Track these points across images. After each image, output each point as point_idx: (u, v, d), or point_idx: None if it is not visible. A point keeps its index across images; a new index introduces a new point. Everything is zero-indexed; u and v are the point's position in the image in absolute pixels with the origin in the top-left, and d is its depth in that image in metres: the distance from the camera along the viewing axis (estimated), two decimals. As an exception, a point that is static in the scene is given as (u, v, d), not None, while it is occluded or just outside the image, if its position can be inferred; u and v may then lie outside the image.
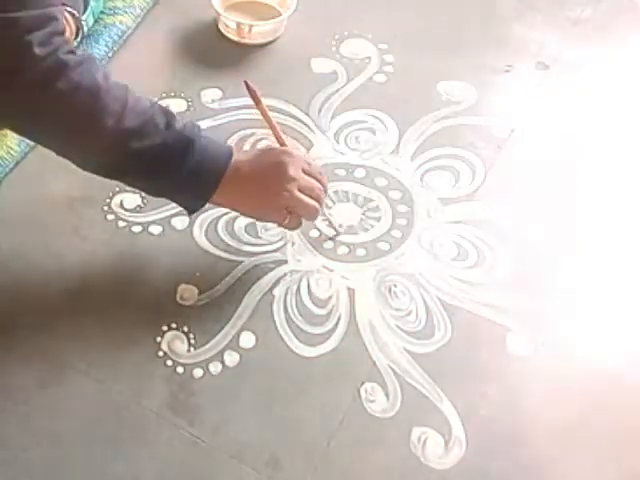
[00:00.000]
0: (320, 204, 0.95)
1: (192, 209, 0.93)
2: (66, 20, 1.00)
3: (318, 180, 0.95)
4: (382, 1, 1.40)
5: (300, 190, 0.92)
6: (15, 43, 0.75)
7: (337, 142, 1.17)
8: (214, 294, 0.99)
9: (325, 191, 0.97)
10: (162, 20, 1.32)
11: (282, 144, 1.00)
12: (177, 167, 0.85)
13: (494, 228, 1.08)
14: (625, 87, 1.28)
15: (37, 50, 0.75)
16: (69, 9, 1.05)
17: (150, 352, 0.93)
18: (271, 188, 0.91)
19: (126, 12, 1.27)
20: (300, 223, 0.97)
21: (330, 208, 1.07)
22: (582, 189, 1.14)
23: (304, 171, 0.93)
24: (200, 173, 0.87)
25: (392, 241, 1.06)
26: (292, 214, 0.94)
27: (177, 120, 0.86)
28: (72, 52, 0.80)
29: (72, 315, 0.96)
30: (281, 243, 1.04)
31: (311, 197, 0.94)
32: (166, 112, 0.86)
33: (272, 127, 1.00)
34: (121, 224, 1.05)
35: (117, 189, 1.08)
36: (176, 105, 1.19)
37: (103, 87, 0.80)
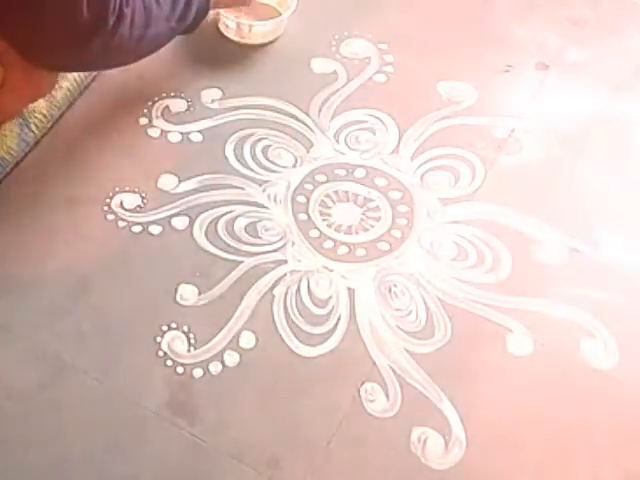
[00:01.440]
0: None
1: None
2: None
3: None
4: (382, 1, 1.40)
5: None
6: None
7: (337, 142, 1.17)
8: (214, 294, 0.99)
9: None
10: (162, 20, 1.32)
11: None
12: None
13: (494, 228, 1.07)
14: (625, 87, 1.28)
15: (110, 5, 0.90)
16: None
17: (150, 352, 0.93)
18: None
19: (126, 12, 1.27)
20: None
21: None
22: (582, 189, 1.14)
23: None
24: None
25: (392, 241, 1.06)
26: None
27: None
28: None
29: (72, 315, 0.96)
30: (281, 243, 1.04)
31: None
32: None
33: None
34: (121, 224, 1.05)
35: (117, 189, 1.08)
36: (176, 105, 1.19)
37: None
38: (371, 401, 0.91)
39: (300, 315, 0.97)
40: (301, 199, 1.09)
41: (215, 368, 0.92)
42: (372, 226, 1.07)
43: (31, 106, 1.08)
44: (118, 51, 0.96)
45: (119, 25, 0.91)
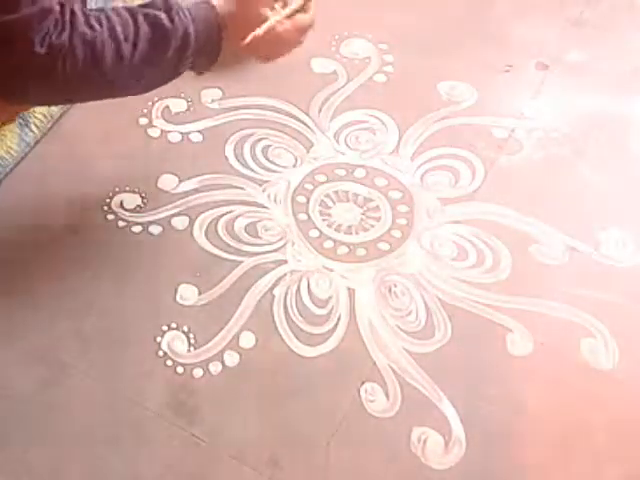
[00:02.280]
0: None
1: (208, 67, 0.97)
2: None
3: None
4: (382, 1, 1.40)
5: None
6: (17, 46, 0.78)
7: (337, 142, 1.17)
8: (214, 294, 0.99)
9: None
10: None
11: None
12: (187, 54, 0.90)
13: (494, 228, 1.07)
14: (625, 87, 1.28)
15: (37, 48, 0.78)
16: None
17: (150, 352, 0.93)
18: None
19: (126, 12, 1.27)
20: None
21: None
22: (582, 189, 1.13)
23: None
24: (201, 46, 0.91)
25: (392, 241, 1.06)
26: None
27: (162, 19, 0.88)
28: (63, 28, 0.82)
29: (72, 315, 0.96)
30: (281, 243, 1.04)
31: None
32: (151, 21, 0.88)
33: None
34: (121, 224, 1.05)
35: (117, 189, 1.08)
36: (176, 105, 1.19)
37: (94, 41, 0.83)
38: (371, 401, 0.91)
39: (300, 315, 0.97)
40: (301, 199, 1.10)
41: (215, 368, 0.92)
42: (372, 226, 1.07)
43: (31, 106, 1.08)
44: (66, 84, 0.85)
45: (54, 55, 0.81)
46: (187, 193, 1.09)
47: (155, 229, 1.04)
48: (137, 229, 1.04)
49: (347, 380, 0.92)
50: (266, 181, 1.11)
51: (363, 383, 0.92)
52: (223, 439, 0.87)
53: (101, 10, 0.87)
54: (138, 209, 1.06)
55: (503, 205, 1.10)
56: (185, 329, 0.95)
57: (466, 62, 1.29)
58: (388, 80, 1.26)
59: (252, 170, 1.12)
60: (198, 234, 1.04)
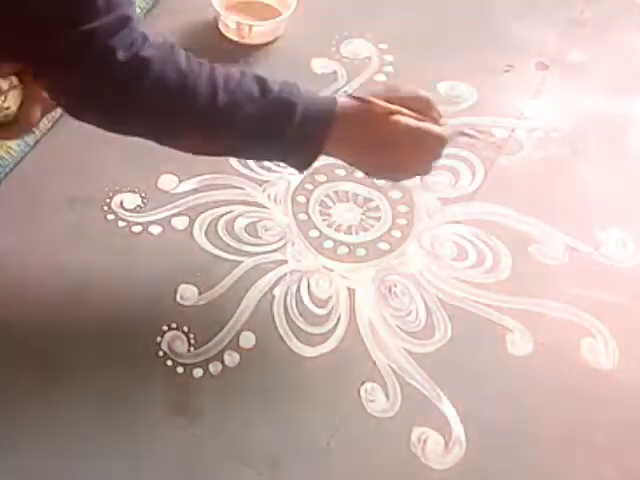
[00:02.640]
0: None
1: (301, 169, 0.88)
2: None
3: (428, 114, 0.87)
4: (382, 1, 1.40)
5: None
6: (98, 54, 0.75)
7: (337, 142, 1.17)
8: (214, 294, 0.99)
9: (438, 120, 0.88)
10: (162, 20, 1.32)
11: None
12: (279, 133, 0.82)
13: (494, 228, 1.07)
14: (625, 87, 1.28)
15: (120, 55, 0.75)
16: None
17: (150, 352, 0.93)
18: (392, 167, 0.87)
19: (126, 12, 1.27)
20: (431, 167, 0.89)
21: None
22: (582, 189, 1.14)
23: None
24: (303, 138, 0.82)
25: (392, 241, 1.06)
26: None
27: (271, 85, 0.82)
28: (152, 45, 0.79)
29: (72, 315, 0.96)
30: (281, 243, 1.04)
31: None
32: (258, 80, 0.82)
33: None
34: (121, 224, 1.05)
35: (117, 189, 1.08)
36: (176, 105, 1.19)
37: (189, 74, 0.79)
38: (371, 401, 0.91)
39: (300, 315, 0.97)
40: (301, 199, 1.10)
41: (215, 368, 0.92)
42: (372, 226, 1.07)
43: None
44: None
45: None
46: (187, 193, 1.09)
47: (155, 229, 1.04)
48: (137, 229, 1.04)
49: (347, 380, 0.92)
50: (266, 181, 1.11)
51: (363, 383, 0.92)
52: (223, 439, 0.87)
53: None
54: (138, 209, 1.06)
55: (503, 205, 1.10)
56: (185, 329, 0.95)
57: (466, 62, 1.29)
58: (388, 80, 1.26)
59: (252, 170, 1.12)
60: (198, 234, 1.04)
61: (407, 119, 0.83)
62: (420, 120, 0.84)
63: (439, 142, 0.85)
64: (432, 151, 0.86)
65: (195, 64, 0.80)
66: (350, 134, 0.84)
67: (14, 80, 0.89)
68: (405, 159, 0.86)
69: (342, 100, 0.84)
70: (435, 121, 0.86)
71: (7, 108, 0.89)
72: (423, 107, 0.86)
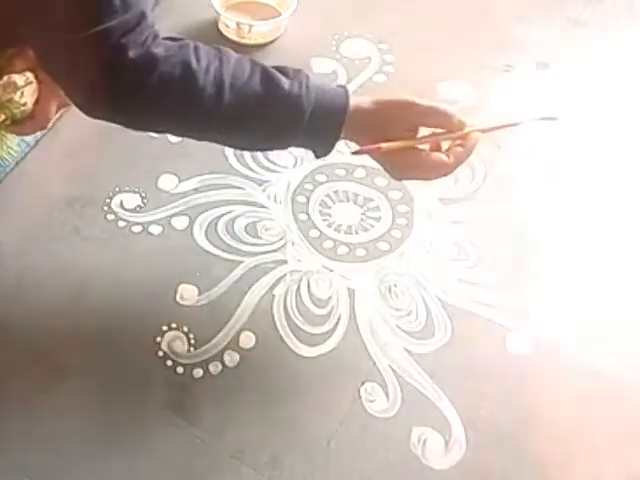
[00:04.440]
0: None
1: (320, 155, 0.88)
2: None
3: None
4: (382, 1, 1.40)
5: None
6: (111, 52, 0.76)
7: (337, 142, 1.17)
8: (214, 294, 0.99)
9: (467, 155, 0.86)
10: (162, 20, 1.31)
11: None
12: (291, 129, 0.83)
13: (494, 228, 1.07)
14: (625, 87, 1.28)
15: (131, 53, 0.76)
16: None
17: (150, 352, 0.93)
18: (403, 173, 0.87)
19: (126, 12, 1.27)
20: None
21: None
22: (582, 189, 1.14)
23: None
24: (316, 131, 0.83)
25: (392, 241, 1.06)
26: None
27: (282, 81, 0.81)
28: (162, 43, 0.79)
29: (72, 315, 0.96)
30: (281, 243, 1.04)
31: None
32: (268, 76, 0.82)
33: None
34: (121, 224, 1.05)
35: (117, 189, 1.08)
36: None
37: (196, 72, 0.79)
38: (371, 401, 0.91)
39: (300, 315, 0.97)
40: (301, 199, 1.10)
41: (215, 368, 0.92)
42: (372, 226, 1.07)
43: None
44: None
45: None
46: (187, 193, 1.09)
47: (155, 229, 1.04)
48: (137, 229, 1.04)
49: (347, 380, 0.92)
50: (266, 181, 1.11)
51: (363, 383, 0.92)
52: (223, 439, 0.87)
53: (217, 48, 0.82)
54: (138, 209, 1.06)
55: (503, 205, 1.10)
56: (185, 329, 0.95)
57: (466, 62, 1.29)
58: (388, 80, 1.26)
59: (252, 170, 1.12)
60: (198, 234, 1.04)
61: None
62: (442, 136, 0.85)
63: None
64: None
65: (204, 61, 0.80)
66: (365, 119, 0.84)
67: (30, 76, 0.89)
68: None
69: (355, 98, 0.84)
70: (459, 131, 0.85)
71: (24, 104, 0.89)
72: (443, 122, 0.85)
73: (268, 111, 0.81)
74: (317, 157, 0.88)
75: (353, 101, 0.83)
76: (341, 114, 0.83)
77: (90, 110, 0.82)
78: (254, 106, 0.81)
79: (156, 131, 0.91)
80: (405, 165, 0.85)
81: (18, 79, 0.88)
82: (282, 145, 0.87)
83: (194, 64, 0.79)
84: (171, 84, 0.79)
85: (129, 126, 0.85)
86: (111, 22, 0.74)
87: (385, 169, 0.88)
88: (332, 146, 0.85)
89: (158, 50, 0.78)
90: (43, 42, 0.78)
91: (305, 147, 0.86)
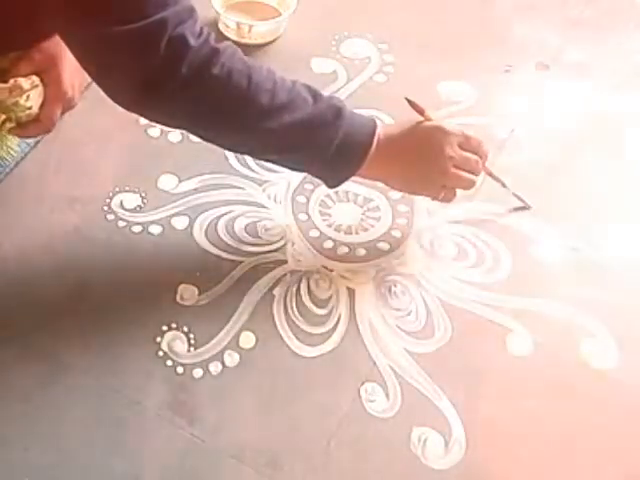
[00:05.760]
0: (476, 174, 0.96)
1: (337, 183, 0.94)
2: None
3: (475, 152, 0.96)
4: (382, 1, 1.40)
5: (455, 166, 0.94)
6: (170, 39, 0.77)
7: (337, 142, 1.17)
8: (214, 294, 0.99)
9: (483, 160, 0.97)
10: (162, 20, 1.32)
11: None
12: (328, 137, 0.87)
13: (494, 228, 1.07)
14: (625, 87, 1.28)
15: (192, 41, 0.78)
16: None
17: (150, 352, 0.93)
18: (425, 167, 0.94)
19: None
20: (455, 195, 0.98)
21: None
22: (582, 189, 1.14)
23: (460, 145, 0.95)
24: (349, 144, 0.89)
25: (392, 241, 1.06)
26: (447, 187, 0.96)
27: (322, 93, 0.89)
28: (216, 39, 0.82)
29: (72, 315, 0.96)
30: (281, 243, 1.04)
31: (466, 170, 0.95)
32: (309, 87, 0.89)
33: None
34: (121, 224, 1.05)
35: (117, 189, 1.08)
36: (176, 105, 1.19)
37: (253, 67, 0.84)
38: (371, 401, 0.91)
39: (300, 315, 0.97)
40: (301, 199, 1.10)
41: (215, 368, 0.92)
42: (372, 226, 1.07)
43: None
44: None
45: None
46: (187, 193, 1.09)
47: (155, 229, 1.04)
48: (137, 229, 1.04)
49: (347, 380, 0.92)
50: (266, 181, 1.11)
51: (363, 383, 0.92)
52: (223, 439, 0.87)
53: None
54: (138, 209, 1.06)
55: (503, 205, 1.10)
56: (185, 329, 0.95)
57: (466, 62, 1.29)
58: (388, 80, 1.26)
59: (252, 170, 1.12)
60: (198, 234, 1.04)
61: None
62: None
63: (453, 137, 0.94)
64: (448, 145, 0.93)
65: (253, 61, 0.84)
66: (387, 163, 0.92)
67: (35, 80, 0.89)
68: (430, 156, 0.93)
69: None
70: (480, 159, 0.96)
71: (29, 107, 0.90)
72: (472, 146, 0.95)
73: (314, 111, 0.86)
74: (329, 187, 0.94)
75: (382, 132, 0.92)
76: (371, 133, 0.90)
77: (138, 101, 0.82)
78: (302, 105, 0.86)
79: (196, 127, 0.89)
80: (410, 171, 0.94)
81: (24, 82, 0.88)
82: (303, 170, 0.94)
83: (249, 61, 0.83)
84: (231, 75, 0.81)
85: (171, 118, 0.86)
86: (165, 12, 0.76)
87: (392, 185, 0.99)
88: (359, 164, 0.91)
89: (218, 44, 0.81)
90: (91, 38, 0.77)
91: (335, 159, 0.90)
